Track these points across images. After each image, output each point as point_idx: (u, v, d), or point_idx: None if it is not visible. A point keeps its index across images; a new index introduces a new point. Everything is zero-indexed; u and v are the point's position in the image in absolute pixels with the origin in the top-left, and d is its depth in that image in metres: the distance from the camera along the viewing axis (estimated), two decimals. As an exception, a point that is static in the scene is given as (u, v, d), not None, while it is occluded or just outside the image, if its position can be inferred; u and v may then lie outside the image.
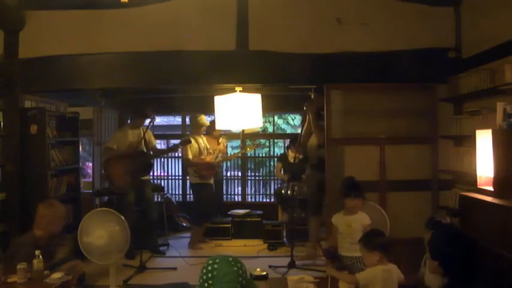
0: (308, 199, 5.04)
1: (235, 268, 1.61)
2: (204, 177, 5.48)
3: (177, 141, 5.97)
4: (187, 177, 6.23)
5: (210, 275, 1.60)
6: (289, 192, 5.46)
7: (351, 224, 3.36)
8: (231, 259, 1.64)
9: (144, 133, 5.24)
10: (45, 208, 3.35)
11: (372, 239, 2.77)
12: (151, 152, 5.42)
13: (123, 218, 3.67)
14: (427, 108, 4.31)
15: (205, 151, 5.56)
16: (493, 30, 3.70)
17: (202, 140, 5.60)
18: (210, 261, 1.64)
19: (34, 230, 3.32)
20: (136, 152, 5.12)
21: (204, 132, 5.78)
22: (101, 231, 3.53)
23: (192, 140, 5.48)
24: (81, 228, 3.58)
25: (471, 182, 3.57)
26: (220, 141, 5.85)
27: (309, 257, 4.75)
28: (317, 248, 4.89)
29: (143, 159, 5.18)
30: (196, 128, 5.64)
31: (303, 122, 4.89)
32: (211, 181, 5.62)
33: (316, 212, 4.85)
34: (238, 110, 4.54)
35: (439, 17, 4.35)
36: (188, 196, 7.37)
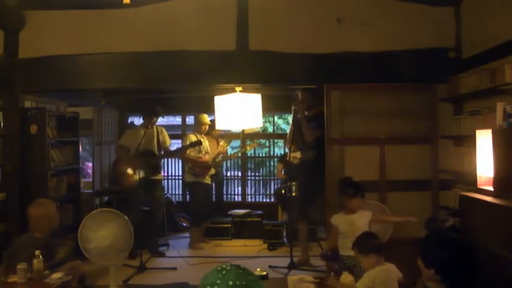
0: (296, 203, 5.03)
1: None
2: (197, 175, 5.49)
3: (178, 141, 5.99)
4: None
5: None
6: (287, 192, 5.48)
7: (354, 222, 3.34)
8: (231, 282, 1.39)
9: (158, 133, 5.29)
10: (35, 209, 3.33)
11: (365, 243, 2.76)
12: (163, 152, 5.45)
13: (126, 217, 3.66)
14: (427, 108, 4.31)
15: (204, 151, 5.59)
16: (493, 30, 3.70)
17: (203, 140, 5.63)
18: (207, 286, 1.41)
19: (32, 232, 3.31)
20: (145, 152, 5.15)
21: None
22: (105, 232, 3.51)
23: (193, 137, 5.54)
24: (81, 231, 3.55)
25: (471, 182, 3.57)
26: (221, 144, 5.86)
27: (302, 262, 4.72)
28: (309, 251, 4.87)
29: (151, 159, 5.19)
30: (197, 126, 5.74)
31: (293, 122, 4.86)
32: (207, 180, 5.62)
33: (301, 217, 4.83)
34: (238, 110, 4.54)
35: (439, 17, 4.35)
36: (188, 196, 7.38)
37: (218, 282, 1.39)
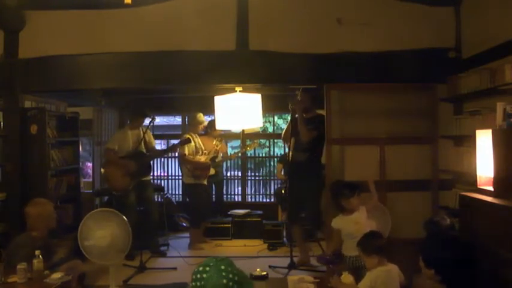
0: (288, 207, 5.01)
1: (224, 281, 1.48)
2: (198, 177, 5.49)
3: (176, 141, 5.97)
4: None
5: (198, 283, 1.50)
6: (286, 192, 5.47)
7: (358, 221, 3.32)
8: (223, 267, 1.51)
9: (144, 134, 5.25)
10: (33, 208, 3.34)
11: (369, 243, 2.76)
12: (151, 153, 5.43)
13: (124, 218, 3.66)
14: (427, 108, 4.32)
15: (201, 151, 5.57)
16: (493, 30, 3.70)
17: (198, 140, 5.62)
18: (201, 268, 1.53)
19: (30, 231, 3.31)
20: (135, 154, 5.12)
21: (203, 132, 5.80)
22: (103, 232, 3.52)
23: (190, 138, 5.51)
24: (81, 230, 3.56)
25: (471, 182, 3.57)
26: (214, 143, 5.80)
27: (302, 262, 4.71)
28: (309, 251, 4.87)
29: (142, 160, 5.18)
30: (193, 126, 5.69)
31: (291, 120, 4.84)
32: (205, 182, 5.61)
33: (291, 220, 4.82)
34: (238, 110, 4.54)
35: (439, 17, 4.35)
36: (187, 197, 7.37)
37: (211, 264, 1.52)
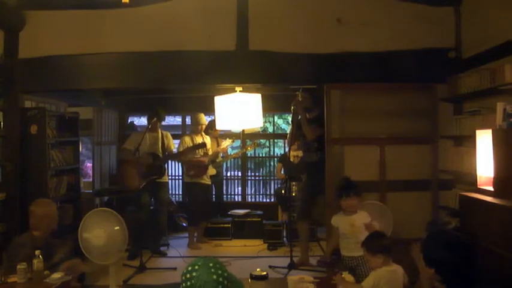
0: (297, 203, 5.02)
1: (214, 277, 1.52)
2: (193, 176, 5.51)
3: (177, 141, 5.98)
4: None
5: (188, 283, 1.53)
6: (287, 192, 5.47)
7: (354, 223, 3.31)
8: (211, 264, 1.57)
9: (162, 137, 5.29)
10: (39, 207, 3.33)
11: (374, 243, 2.75)
12: (164, 155, 5.47)
13: (122, 219, 3.66)
14: (427, 108, 4.32)
15: (201, 152, 5.57)
16: (493, 30, 3.70)
17: (206, 141, 5.62)
18: (190, 268, 1.57)
19: (32, 231, 3.31)
20: (149, 155, 5.16)
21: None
22: (100, 231, 3.51)
23: (188, 138, 5.55)
24: (82, 227, 3.56)
25: (471, 182, 3.57)
26: (223, 143, 5.85)
27: (302, 262, 4.72)
28: (309, 251, 4.87)
29: (155, 161, 5.21)
30: (194, 126, 5.73)
31: (292, 122, 4.84)
32: (204, 181, 5.61)
33: (302, 218, 4.82)
34: (238, 110, 4.53)
35: (439, 17, 4.35)
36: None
37: (199, 263, 1.57)
